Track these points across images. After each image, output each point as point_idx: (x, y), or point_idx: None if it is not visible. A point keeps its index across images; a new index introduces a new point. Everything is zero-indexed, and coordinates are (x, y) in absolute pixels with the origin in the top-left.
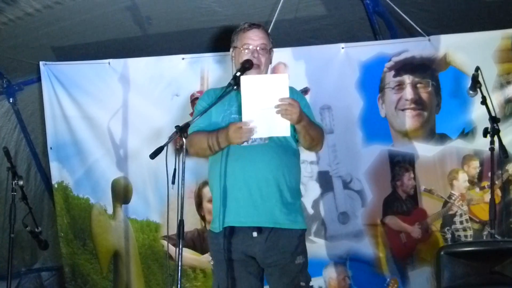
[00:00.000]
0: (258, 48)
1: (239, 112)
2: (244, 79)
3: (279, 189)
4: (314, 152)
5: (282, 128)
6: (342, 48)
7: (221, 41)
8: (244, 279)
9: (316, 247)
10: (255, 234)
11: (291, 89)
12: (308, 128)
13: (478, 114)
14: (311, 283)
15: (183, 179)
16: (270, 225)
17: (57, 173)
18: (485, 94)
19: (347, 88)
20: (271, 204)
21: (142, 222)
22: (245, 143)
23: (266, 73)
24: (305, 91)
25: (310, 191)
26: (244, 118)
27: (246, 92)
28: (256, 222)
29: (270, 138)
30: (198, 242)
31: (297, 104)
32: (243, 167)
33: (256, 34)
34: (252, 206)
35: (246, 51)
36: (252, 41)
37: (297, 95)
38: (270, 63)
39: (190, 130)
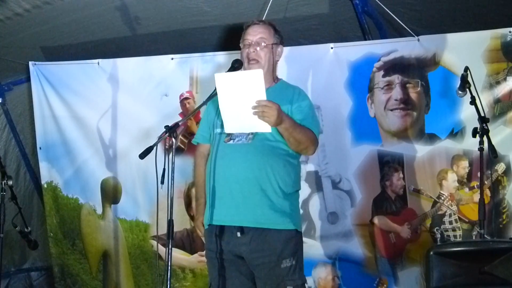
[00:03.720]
0: (255, 43)
1: None
2: (218, 77)
3: (261, 189)
4: (305, 155)
5: (263, 124)
6: (331, 48)
7: (210, 41)
8: (235, 278)
9: (306, 247)
10: (238, 234)
11: (292, 87)
12: (292, 130)
13: (467, 114)
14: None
15: (172, 179)
16: (251, 225)
17: (46, 173)
18: (474, 94)
19: (336, 88)
20: (252, 204)
21: (131, 222)
22: (231, 141)
23: (269, 68)
24: None
25: (299, 191)
26: (223, 116)
27: (222, 89)
28: (238, 222)
29: (256, 138)
30: (188, 242)
31: (275, 107)
32: (225, 167)
33: (255, 29)
34: (234, 205)
35: (248, 47)
36: (251, 36)
37: (298, 95)
38: (276, 58)
39: (195, 139)
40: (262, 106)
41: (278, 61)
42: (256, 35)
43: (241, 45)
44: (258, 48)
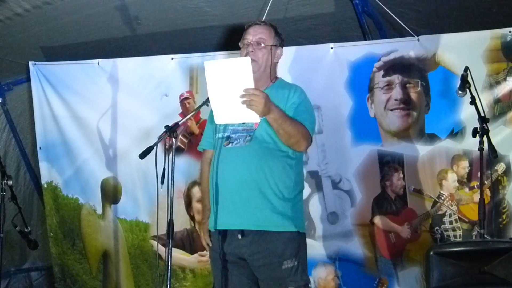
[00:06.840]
0: (254, 42)
1: None
2: (207, 64)
3: (260, 192)
4: (297, 150)
5: (252, 114)
6: (331, 48)
7: (210, 41)
8: (237, 279)
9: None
10: (239, 236)
11: (289, 86)
12: (281, 122)
13: (467, 114)
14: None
15: (172, 179)
16: (251, 228)
17: (46, 173)
18: (474, 94)
19: (336, 88)
20: (252, 206)
21: (131, 222)
22: (230, 145)
23: (266, 69)
24: None
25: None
26: (212, 106)
27: (211, 77)
28: (238, 225)
29: (253, 140)
30: (188, 242)
31: (262, 95)
32: (224, 170)
33: (256, 29)
34: (234, 209)
35: (246, 47)
36: (250, 36)
37: (294, 93)
38: (275, 60)
39: (200, 146)
40: (250, 94)
41: (277, 63)
42: (256, 35)
43: (240, 44)
44: (256, 48)
